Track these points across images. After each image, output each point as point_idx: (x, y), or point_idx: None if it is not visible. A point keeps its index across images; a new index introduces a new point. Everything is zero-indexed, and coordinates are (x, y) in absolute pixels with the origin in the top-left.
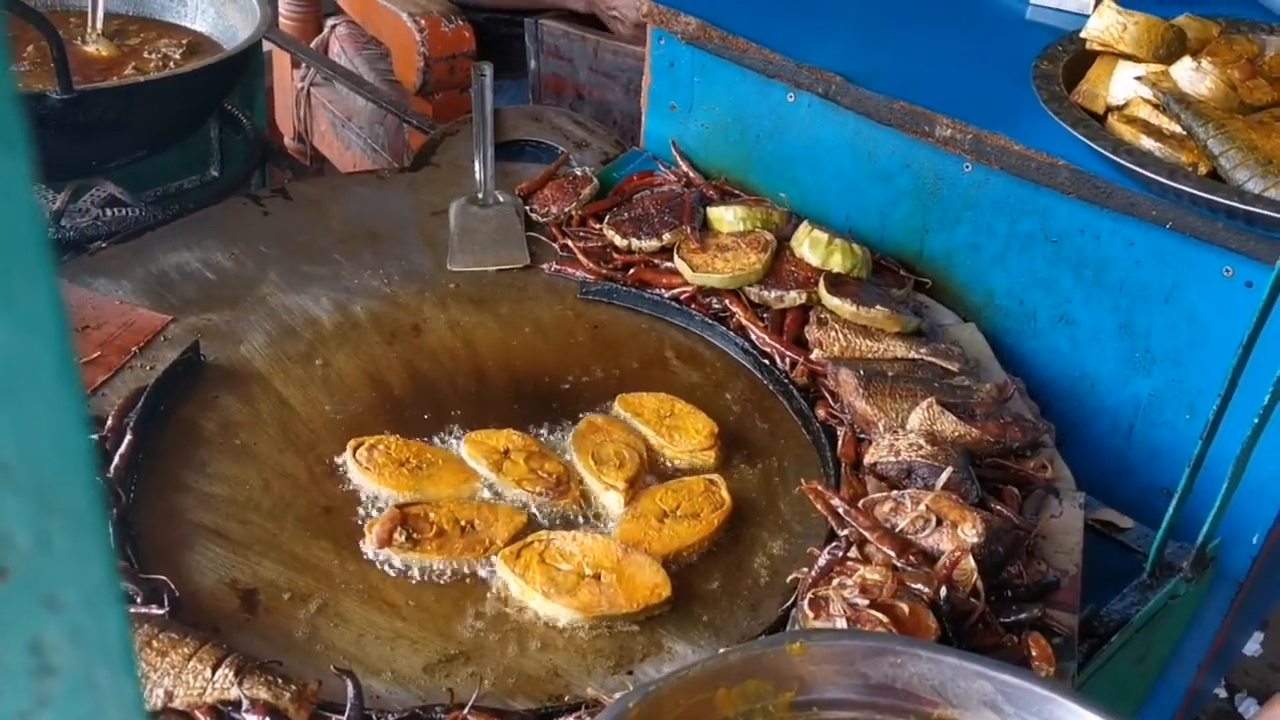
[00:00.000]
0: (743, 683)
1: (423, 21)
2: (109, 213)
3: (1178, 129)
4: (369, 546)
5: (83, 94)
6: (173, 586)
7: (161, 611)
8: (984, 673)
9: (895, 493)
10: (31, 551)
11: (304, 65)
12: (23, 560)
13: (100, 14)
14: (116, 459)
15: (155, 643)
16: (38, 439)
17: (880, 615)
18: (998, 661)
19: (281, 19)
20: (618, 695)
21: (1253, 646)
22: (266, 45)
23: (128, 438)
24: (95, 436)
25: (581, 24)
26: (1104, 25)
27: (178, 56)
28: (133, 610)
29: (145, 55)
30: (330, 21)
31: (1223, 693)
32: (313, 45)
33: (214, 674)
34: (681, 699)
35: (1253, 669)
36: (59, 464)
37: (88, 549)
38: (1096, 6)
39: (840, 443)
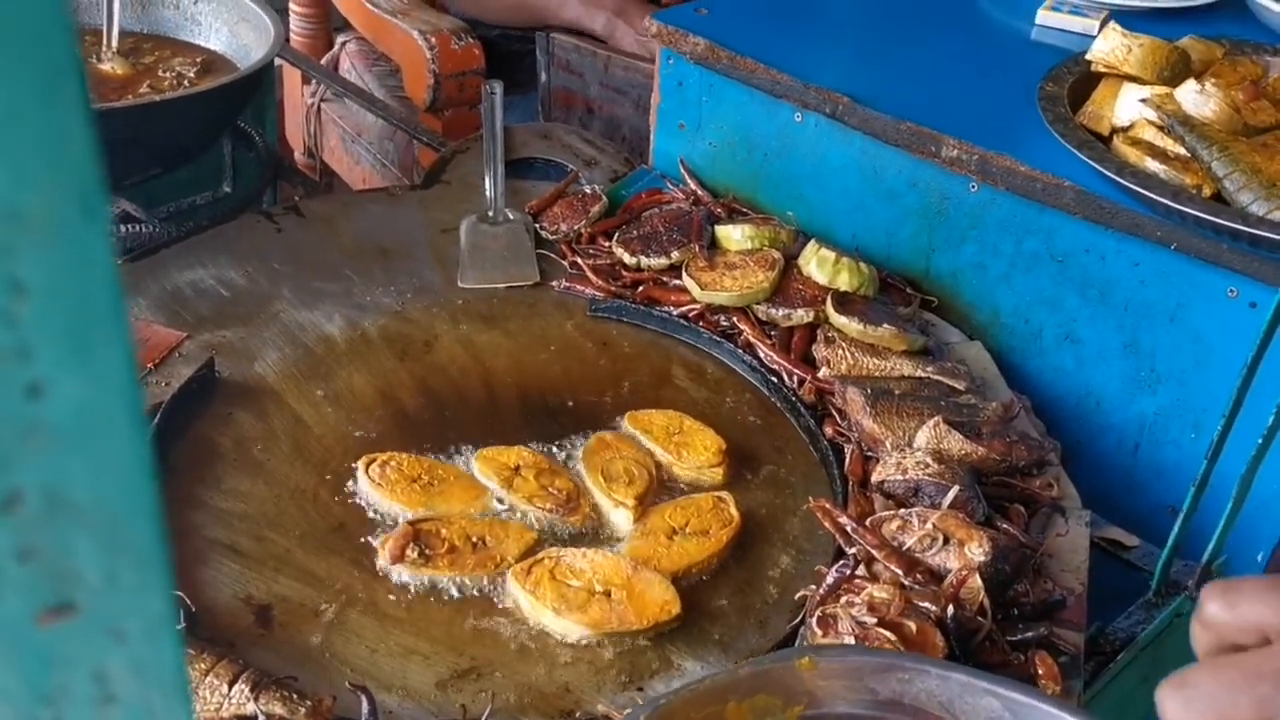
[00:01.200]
0: (752, 697)
1: (433, 39)
2: (124, 229)
3: (1182, 151)
4: (382, 562)
5: (97, 113)
6: (188, 602)
7: (178, 627)
8: (992, 690)
9: (903, 511)
10: (99, 587)
11: (314, 81)
12: (91, 595)
13: (115, 32)
14: None
15: None
16: (108, 482)
17: (888, 633)
18: (1006, 679)
19: (292, 35)
20: (628, 710)
21: None
22: (277, 61)
23: None
24: None
25: (594, 41)
26: (1109, 47)
27: (192, 75)
28: None
29: (160, 73)
30: (340, 38)
31: None
32: (323, 61)
33: (230, 689)
34: (692, 712)
35: None
36: (127, 504)
37: (150, 583)
38: (1101, 28)
39: (847, 460)
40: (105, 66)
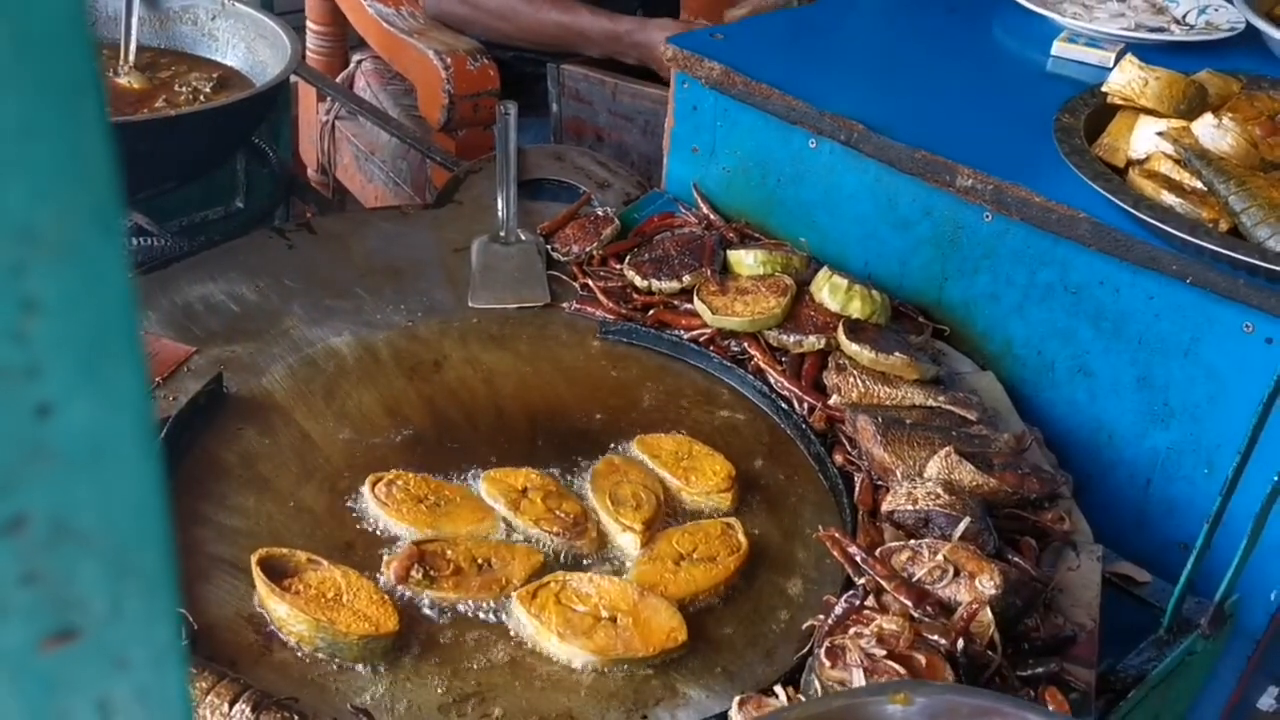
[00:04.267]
0: None
1: (448, 59)
2: (136, 242)
3: (1199, 185)
4: (386, 582)
5: (113, 126)
6: (190, 620)
7: (184, 654)
8: None
9: (913, 542)
10: (105, 614)
11: (329, 99)
12: (96, 622)
13: (133, 47)
14: None
15: None
16: (116, 507)
17: (897, 666)
18: None
19: (308, 53)
20: None
21: (1267, 701)
22: (292, 78)
23: None
24: None
25: (603, 68)
26: (1126, 80)
27: (208, 90)
28: None
29: (176, 88)
30: (356, 57)
31: None
32: (338, 80)
33: (231, 709)
34: None
35: None
36: (135, 530)
37: (157, 612)
38: (1117, 61)
39: (857, 489)
40: (122, 80)
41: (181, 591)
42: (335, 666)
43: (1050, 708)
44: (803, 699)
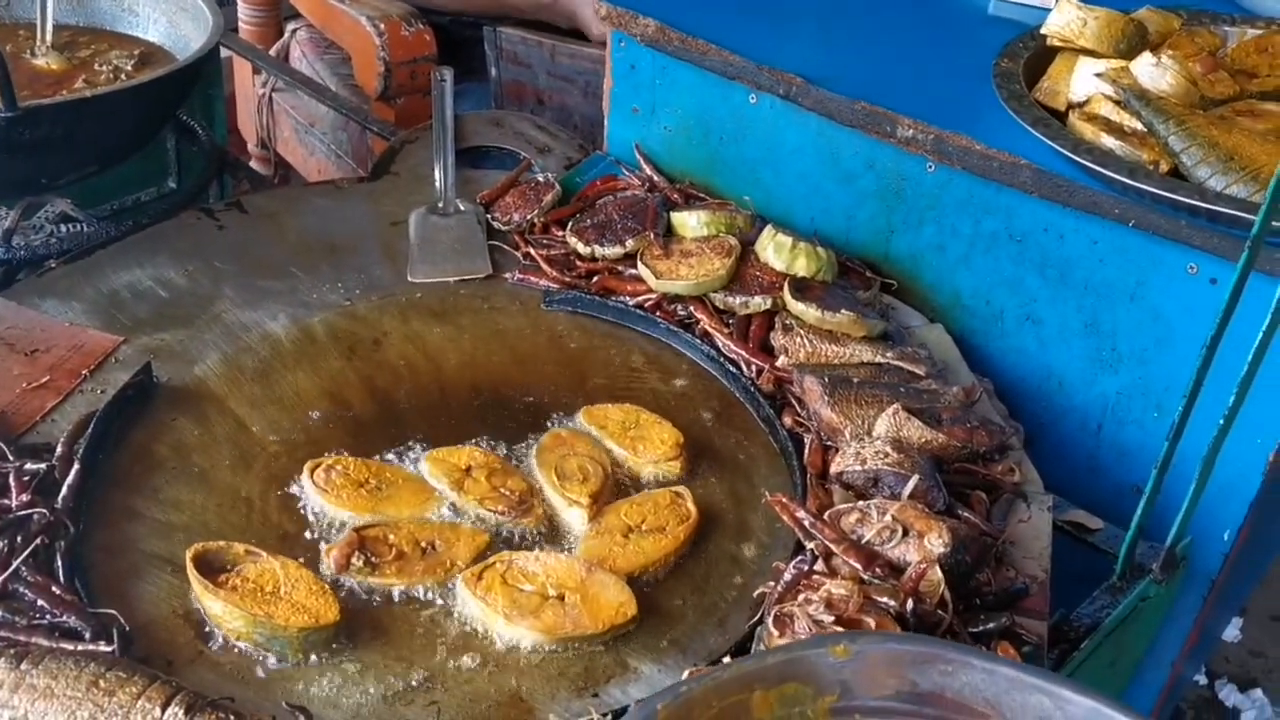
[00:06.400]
0: (781, 685)
1: (382, 25)
2: (63, 229)
3: (1139, 126)
4: (327, 572)
5: (27, 111)
6: (122, 621)
7: (109, 649)
8: (1042, 686)
9: (861, 503)
10: None
11: (265, 70)
12: None
13: (49, 26)
14: (65, 489)
15: (102, 682)
16: None
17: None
18: (1057, 675)
19: (241, 24)
20: (647, 696)
21: (1232, 632)
22: (226, 52)
23: (75, 466)
24: (44, 466)
25: (541, 31)
26: (1064, 21)
27: (129, 68)
28: (80, 648)
29: (96, 67)
30: (290, 26)
31: (1203, 679)
32: (273, 51)
33: (163, 714)
34: (714, 700)
35: (1233, 655)
36: None
37: None
38: (1057, 1)
39: (807, 451)
40: (40, 62)
41: (113, 591)
42: (276, 661)
43: None
44: None
